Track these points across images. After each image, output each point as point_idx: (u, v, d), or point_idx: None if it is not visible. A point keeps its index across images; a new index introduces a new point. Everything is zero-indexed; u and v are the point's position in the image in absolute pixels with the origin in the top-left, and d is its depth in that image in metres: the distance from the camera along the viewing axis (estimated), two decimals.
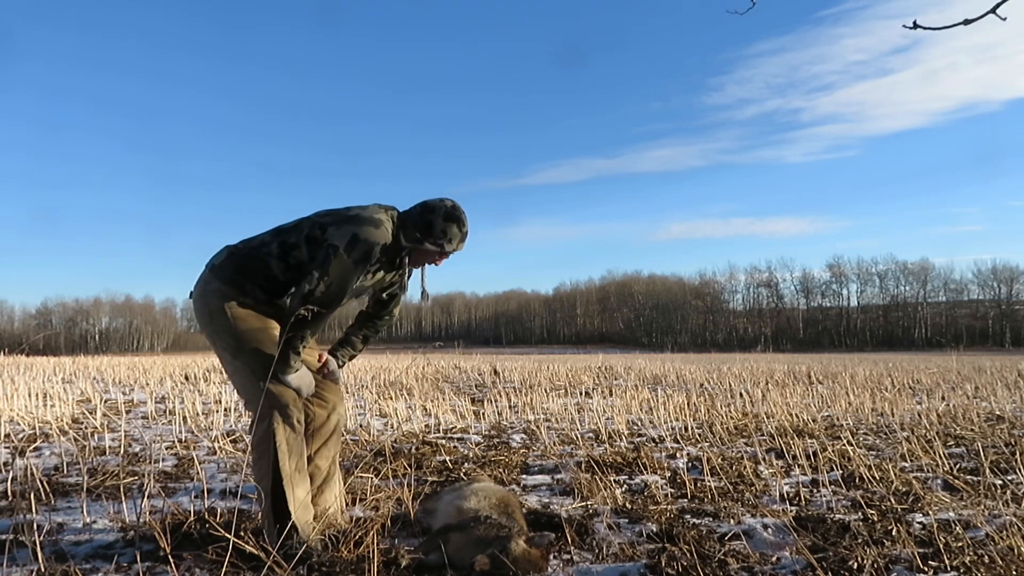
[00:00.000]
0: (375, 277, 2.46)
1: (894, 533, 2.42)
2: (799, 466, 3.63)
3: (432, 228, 2.37)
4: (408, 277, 2.59)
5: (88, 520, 2.59)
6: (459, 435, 4.83)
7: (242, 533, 2.26)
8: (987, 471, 3.38)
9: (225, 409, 5.66)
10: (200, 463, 3.66)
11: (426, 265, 2.55)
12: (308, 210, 2.51)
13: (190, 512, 2.53)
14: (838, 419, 5.62)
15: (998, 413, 6.05)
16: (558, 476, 3.46)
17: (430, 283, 2.64)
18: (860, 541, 2.35)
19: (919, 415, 5.81)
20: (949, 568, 2.11)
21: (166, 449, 4.05)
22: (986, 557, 2.15)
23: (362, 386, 8.53)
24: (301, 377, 2.34)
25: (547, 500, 3.01)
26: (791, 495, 3.06)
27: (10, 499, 2.85)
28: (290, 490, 2.22)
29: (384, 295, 2.66)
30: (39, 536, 2.31)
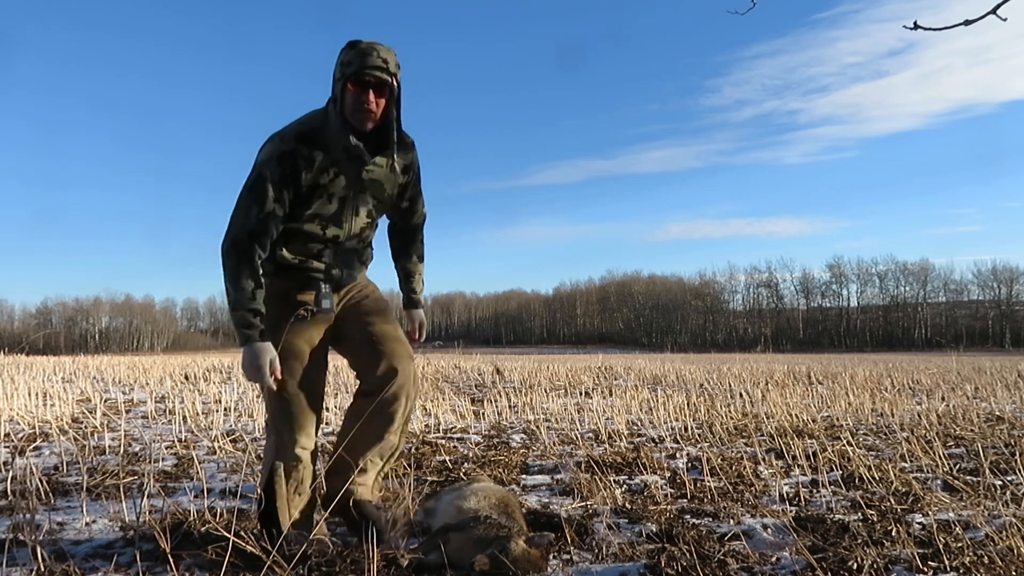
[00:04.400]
0: (337, 182, 2.11)
1: (894, 533, 2.42)
2: (799, 466, 3.63)
3: (334, 75, 2.07)
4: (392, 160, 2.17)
5: (88, 520, 2.59)
6: (459, 435, 4.83)
7: (242, 533, 2.26)
8: (987, 471, 3.37)
9: (225, 409, 5.66)
10: (200, 463, 3.66)
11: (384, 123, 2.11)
12: None
13: (190, 512, 2.54)
14: (838, 419, 5.62)
15: (998, 414, 6.05)
16: (558, 476, 3.46)
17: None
18: (860, 541, 2.35)
19: (919, 415, 5.81)
20: (949, 568, 2.11)
21: (166, 449, 4.05)
22: (986, 558, 2.15)
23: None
24: (249, 354, 2.04)
25: (547, 500, 3.01)
26: (791, 495, 3.06)
27: (10, 499, 2.85)
28: (284, 514, 2.15)
29: (390, 199, 2.28)
30: (39, 536, 2.32)
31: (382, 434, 2.24)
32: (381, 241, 2.47)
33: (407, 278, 2.49)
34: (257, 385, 2.10)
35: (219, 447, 4.04)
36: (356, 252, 2.29)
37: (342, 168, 2.11)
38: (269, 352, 2.06)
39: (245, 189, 2.05)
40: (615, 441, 4.48)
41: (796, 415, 5.63)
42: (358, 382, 2.30)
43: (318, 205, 2.11)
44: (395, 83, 2.05)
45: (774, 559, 2.24)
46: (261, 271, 2.07)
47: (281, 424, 2.18)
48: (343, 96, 2.03)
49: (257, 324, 2.04)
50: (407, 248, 2.47)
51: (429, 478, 3.39)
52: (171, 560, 2.04)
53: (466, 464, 3.72)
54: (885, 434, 4.87)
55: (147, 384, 8.76)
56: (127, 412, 5.77)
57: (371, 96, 2.02)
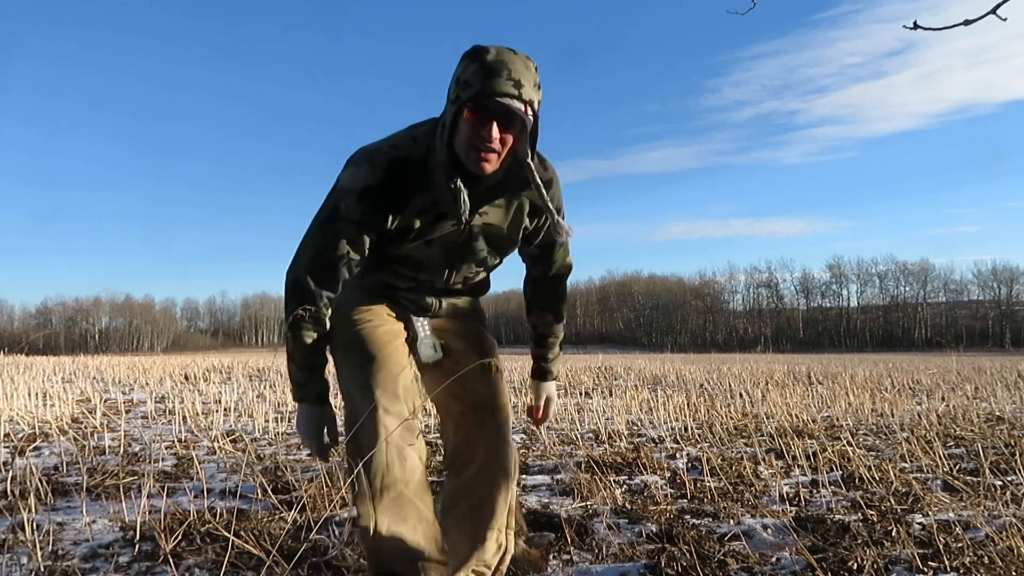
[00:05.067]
0: (439, 226, 1.64)
1: (894, 533, 2.42)
2: (799, 466, 3.63)
3: (448, 93, 1.53)
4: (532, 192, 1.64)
5: (88, 520, 2.58)
6: None
7: (242, 533, 2.26)
8: (987, 472, 3.37)
9: (225, 409, 5.66)
10: (200, 463, 3.66)
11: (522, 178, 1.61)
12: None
13: (190, 512, 2.53)
14: (838, 419, 5.62)
15: (998, 414, 6.05)
16: (558, 476, 3.46)
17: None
18: (860, 541, 2.35)
19: (919, 416, 5.81)
20: (949, 569, 2.11)
21: (166, 449, 4.05)
22: (986, 558, 2.15)
23: None
24: (303, 415, 1.70)
25: (547, 500, 3.01)
26: (791, 495, 3.06)
27: (10, 499, 2.84)
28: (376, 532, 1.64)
29: (529, 248, 1.83)
30: (38, 536, 2.32)
31: (479, 532, 1.74)
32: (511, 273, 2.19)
33: (539, 341, 1.98)
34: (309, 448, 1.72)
35: (219, 447, 4.04)
36: (461, 290, 1.87)
37: (446, 210, 1.61)
38: (327, 418, 1.71)
39: (316, 220, 1.65)
40: (615, 441, 4.48)
41: (796, 415, 5.63)
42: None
43: (411, 249, 1.67)
44: (530, 113, 1.48)
45: (774, 559, 2.24)
46: (328, 313, 1.69)
47: (363, 404, 1.65)
48: (455, 124, 1.50)
49: (313, 385, 1.69)
50: (542, 301, 1.95)
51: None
52: (171, 560, 2.04)
53: None
54: (885, 434, 4.87)
55: (147, 384, 8.76)
56: (127, 412, 5.77)
57: (493, 131, 1.46)
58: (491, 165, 1.52)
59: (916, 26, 2.28)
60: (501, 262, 1.84)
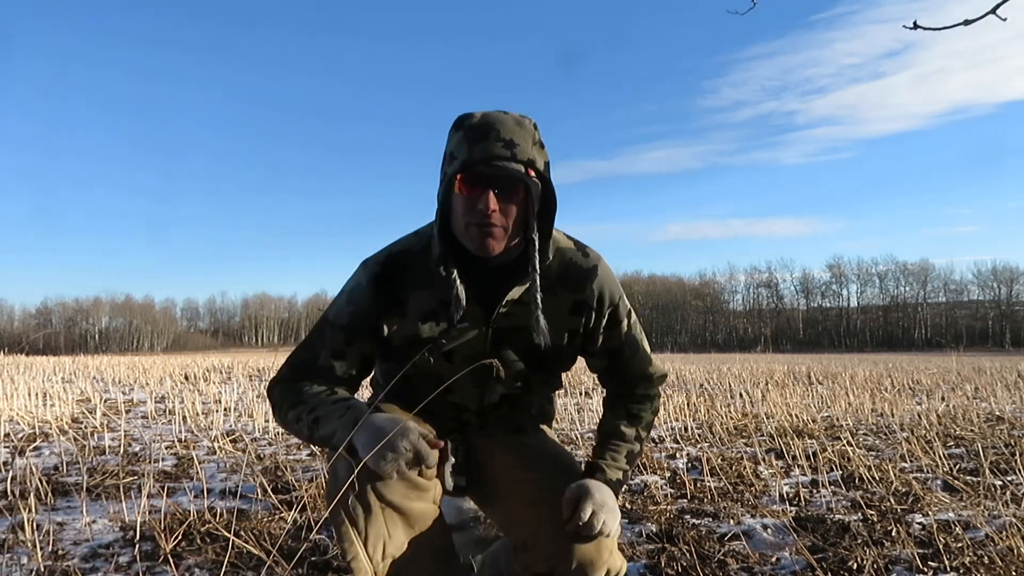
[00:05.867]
0: (453, 333, 1.39)
1: (894, 533, 2.42)
2: (799, 466, 3.63)
3: (441, 173, 1.34)
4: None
5: (88, 520, 2.58)
6: None
7: (242, 533, 2.26)
8: (987, 472, 3.37)
9: (225, 409, 5.66)
10: (200, 463, 3.66)
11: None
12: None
13: (190, 512, 2.53)
14: (838, 419, 5.62)
15: (998, 414, 6.05)
16: None
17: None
18: (860, 541, 2.35)
19: (919, 415, 5.81)
20: (949, 569, 2.11)
21: (166, 449, 4.05)
22: (986, 558, 2.15)
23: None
24: (366, 435, 1.24)
25: None
26: (791, 495, 3.06)
27: (10, 499, 2.84)
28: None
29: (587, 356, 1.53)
30: (38, 536, 2.32)
31: None
32: None
33: (598, 440, 1.57)
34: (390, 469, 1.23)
35: (219, 447, 4.04)
36: (510, 416, 1.54)
37: (462, 312, 1.36)
38: (392, 419, 1.26)
39: (314, 324, 1.46)
40: None
41: (796, 415, 5.63)
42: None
43: (428, 366, 1.41)
44: (532, 175, 1.27)
45: (774, 559, 2.24)
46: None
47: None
48: (447, 203, 1.31)
49: (347, 402, 1.34)
50: (617, 402, 1.58)
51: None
52: (171, 560, 2.04)
53: None
54: (885, 434, 4.87)
55: (147, 384, 8.76)
56: (127, 412, 5.77)
57: (490, 200, 1.25)
58: (497, 242, 1.28)
59: (916, 26, 2.28)
60: (555, 377, 1.55)
